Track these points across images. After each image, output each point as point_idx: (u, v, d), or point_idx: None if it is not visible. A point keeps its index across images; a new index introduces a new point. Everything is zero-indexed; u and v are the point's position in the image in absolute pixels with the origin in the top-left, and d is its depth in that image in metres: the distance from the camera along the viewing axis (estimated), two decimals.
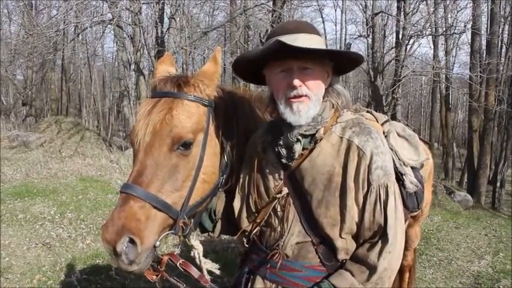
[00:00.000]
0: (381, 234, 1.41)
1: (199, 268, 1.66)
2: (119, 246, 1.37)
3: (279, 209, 1.54)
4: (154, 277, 1.51)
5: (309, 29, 1.49)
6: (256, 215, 1.62)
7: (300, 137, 1.47)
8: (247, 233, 1.64)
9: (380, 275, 1.38)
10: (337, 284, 1.41)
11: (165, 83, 1.59)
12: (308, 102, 1.43)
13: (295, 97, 1.41)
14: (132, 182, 1.46)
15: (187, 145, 1.52)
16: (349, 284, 1.39)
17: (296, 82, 1.40)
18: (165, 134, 1.50)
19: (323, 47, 1.47)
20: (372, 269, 1.39)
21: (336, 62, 1.51)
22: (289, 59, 1.42)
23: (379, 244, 1.40)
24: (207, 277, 1.63)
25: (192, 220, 1.64)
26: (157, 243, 1.47)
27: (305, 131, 1.46)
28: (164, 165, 1.49)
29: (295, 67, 1.42)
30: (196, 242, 1.69)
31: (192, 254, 1.70)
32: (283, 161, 1.53)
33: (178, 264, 1.55)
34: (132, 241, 1.39)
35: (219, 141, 1.66)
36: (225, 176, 1.68)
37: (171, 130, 1.50)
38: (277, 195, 1.53)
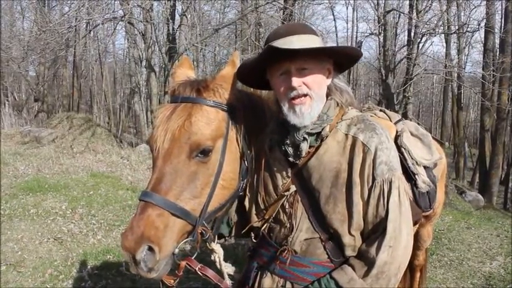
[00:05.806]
0: (382, 228, 1.40)
1: (220, 272, 1.64)
2: (138, 255, 1.38)
3: (287, 206, 1.55)
4: (172, 281, 1.51)
5: (302, 29, 1.49)
6: (264, 212, 1.63)
7: (306, 136, 1.48)
8: (256, 229, 1.66)
9: (380, 269, 1.37)
10: (336, 278, 1.41)
11: (185, 88, 1.57)
12: (310, 102, 1.44)
13: (296, 97, 1.43)
14: (151, 189, 1.45)
15: (206, 152, 1.49)
16: (348, 278, 1.39)
17: (295, 83, 1.41)
18: (184, 141, 1.47)
19: (318, 45, 1.46)
20: (371, 263, 1.38)
21: (336, 58, 1.51)
22: (286, 61, 1.43)
23: (379, 238, 1.39)
24: (228, 281, 1.61)
25: (213, 225, 1.63)
26: (176, 250, 1.47)
27: (311, 129, 1.47)
28: (183, 172, 1.47)
29: (292, 69, 1.43)
30: (216, 246, 1.66)
31: (212, 258, 1.68)
32: (290, 159, 1.53)
33: (197, 269, 1.55)
34: (151, 249, 1.39)
35: (239, 146, 1.63)
36: (245, 180, 1.66)
37: (189, 137, 1.47)
38: (285, 193, 1.55)
